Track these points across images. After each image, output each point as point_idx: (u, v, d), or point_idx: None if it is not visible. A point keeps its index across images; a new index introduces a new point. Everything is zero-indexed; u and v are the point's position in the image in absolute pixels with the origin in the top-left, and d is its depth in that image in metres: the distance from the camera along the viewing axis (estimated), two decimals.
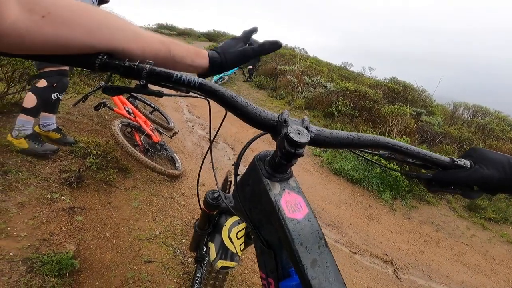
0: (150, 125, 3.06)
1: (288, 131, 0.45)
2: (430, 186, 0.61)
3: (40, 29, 0.37)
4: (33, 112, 2.07)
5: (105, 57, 0.44)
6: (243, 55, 0.64)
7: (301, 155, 0.45)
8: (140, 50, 0.49)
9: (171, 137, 3.38)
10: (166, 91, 0.52)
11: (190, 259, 1.93)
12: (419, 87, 8.09)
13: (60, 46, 0.40)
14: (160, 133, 3.20)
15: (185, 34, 18.54)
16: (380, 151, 0.63)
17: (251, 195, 0.58)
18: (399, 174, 3.92)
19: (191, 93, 0.51)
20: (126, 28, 0.48)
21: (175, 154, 3.13)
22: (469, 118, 7.55)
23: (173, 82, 0.46)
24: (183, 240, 2.10)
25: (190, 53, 0.59)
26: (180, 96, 0.53)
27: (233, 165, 0.66)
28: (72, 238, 1.69)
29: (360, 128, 5.28)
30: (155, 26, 18.67)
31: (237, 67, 7.54)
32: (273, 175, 0.52)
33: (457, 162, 0.59)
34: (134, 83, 0.46)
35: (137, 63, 0.45)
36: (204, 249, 1.27)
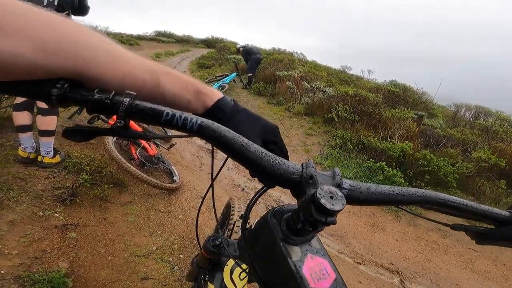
0: None
1: (318, 195, 0.36)
2: (481, 239, 0.56)
3: None
4: (54, 132, 2.24)
5: (66, 85, 0.33)
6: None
7: (333, 223, 0.37)
8: (119, 79, 0.38)
9: (168, 149, 3.36)
10: (155, 130, 0.39)
11: None
12: (419, 90, 8.12)
13: (2, 67, 0.30)
14: (157, 145, 3.19)
15: (184, 41, 18.63)
16: None
17: (263, 255, 0.49)
18: (403, 181, 3.87)
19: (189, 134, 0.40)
20: (99, 46, 0.36)
21: (172, 167, 3.11)
22: (471, 119, 7.53)
23: (163, 123, 0.36)
24: (181, 256, 2.07)
25: (187, 91, 0.45)
26: (173, 137, 0.43)
27: (239, 218, 0.59)
28: (65, 255, 1.66)
29: (361, 134, 5.25)
30: (153, 34, 18.55)
31: (235, 74, 7.50)
32: (291, 238, 0.43)
33: None
34: None
35: (111, 96, 0.34)
36: (202, 283, 1.22)
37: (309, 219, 0.37)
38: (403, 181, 3.92)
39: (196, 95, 0.46)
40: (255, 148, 0.39)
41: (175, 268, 1.94)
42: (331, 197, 0.36)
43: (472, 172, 4.41)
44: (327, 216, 0.36)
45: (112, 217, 2.14)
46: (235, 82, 7.84)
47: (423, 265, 2.76)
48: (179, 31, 20.60)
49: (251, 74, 7.69)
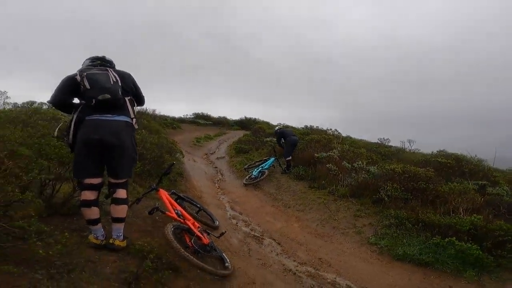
0: (198, 227, 3.29)
1: None
2: None
3: None
4: (125, 218, 2.57)
5: None
6: None
7: None
8: None
9: (218, 237, 3.53)
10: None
11: None
12: (473, 158, 7.82)
13: None
14: (208, 234, 3.37)
15: (219, 123, 19.56)
16: None
17: None
18: (480, 252, 3.63)
19: None
20: None
21: (223, 254, 3.25)
22: None
23: None
24: None
25: None
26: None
27: None
28: None
29: (419, 212, 4.98)
30: (192, 116, 19.90)
31: (274, 159, 7.77)
32: None
33: None
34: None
35: None
36: None
37: None
38: (481, 252, 3.68)
39: None
40: None
41: None
42: None
43: None
44: None
45: None
46: (274, 167, 8.03)
47: None
48: (215, 113, 21.87)
49: (289, 158, 7.90)
